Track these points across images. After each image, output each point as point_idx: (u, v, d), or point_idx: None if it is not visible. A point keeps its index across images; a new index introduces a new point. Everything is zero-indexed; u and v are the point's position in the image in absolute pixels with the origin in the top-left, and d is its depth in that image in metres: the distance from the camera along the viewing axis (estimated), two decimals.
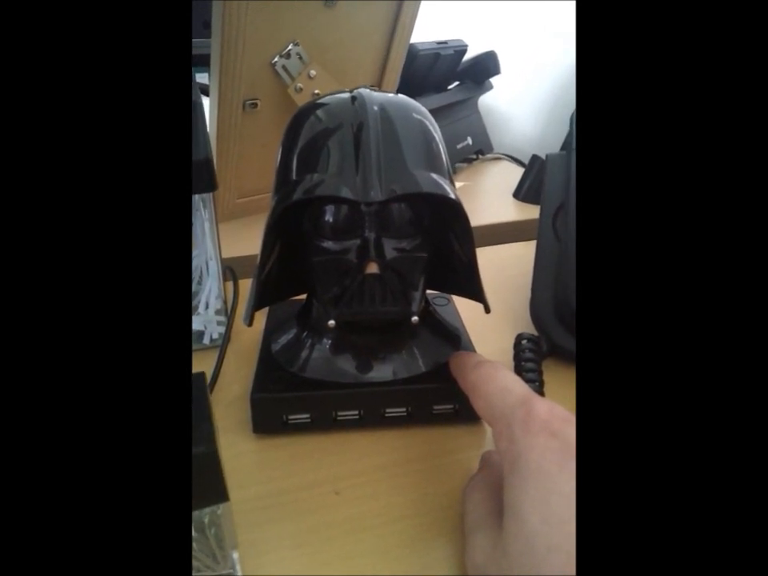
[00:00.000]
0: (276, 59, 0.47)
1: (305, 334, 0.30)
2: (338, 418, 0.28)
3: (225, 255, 0.39)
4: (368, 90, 0.27)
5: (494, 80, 0.82)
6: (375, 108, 0.26)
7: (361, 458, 0.28)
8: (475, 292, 0.28)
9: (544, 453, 0.19)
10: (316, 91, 0.49)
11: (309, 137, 0.26)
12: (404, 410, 0.29)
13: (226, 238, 0.38)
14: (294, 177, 0.26)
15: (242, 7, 0.43)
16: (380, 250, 0.25)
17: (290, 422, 0.28)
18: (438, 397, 0.28)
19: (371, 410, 0.28)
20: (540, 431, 0.20)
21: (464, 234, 0.27)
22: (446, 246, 0.29)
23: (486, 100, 0.84)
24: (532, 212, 0.61)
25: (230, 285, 0.42)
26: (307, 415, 0.28)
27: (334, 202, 0.26)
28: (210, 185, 0.30)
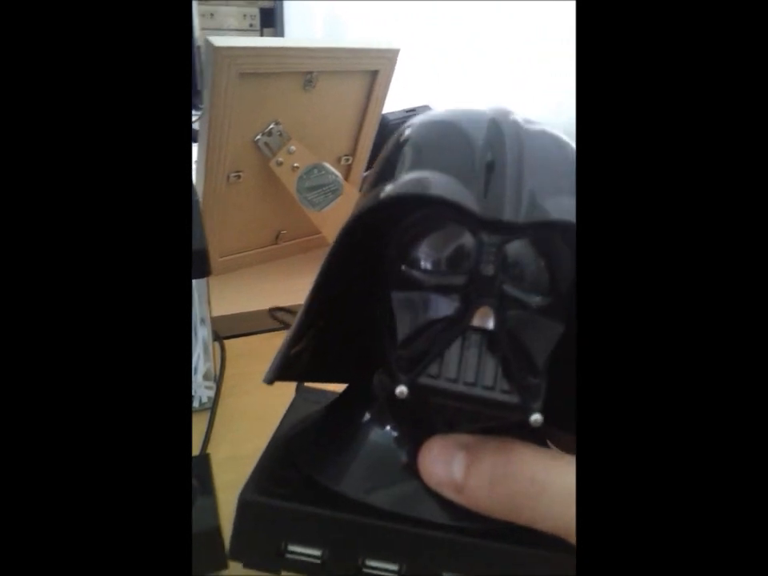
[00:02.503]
0: (258, 137, 0.52)
1: (341, 414, 0.21)
2: (365, 570, 0.17)
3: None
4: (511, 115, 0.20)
5: None
6: (519, 130, 0.18)
7: None
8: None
9: None
10: (295, 164, 0.54)
11: (428, 136, 0.19)
12: None
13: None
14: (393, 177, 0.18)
15: (228, 91, 0.47)
16: (499, 294, 0.17)
17: (288, 555, 0.18)
18: (534, 569, 0.17)
19: (418, 567, 0.17)
20: None
21: None
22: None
23: None
24: None
25: (216, 347, 0.46)
26: (318, 552, 0.18)
27: (444, 216, 0.18)
28: (204, 271, 0.34)
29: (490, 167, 0.17)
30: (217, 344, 0.46)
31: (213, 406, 0.38)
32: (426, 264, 0.18)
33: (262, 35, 2.35)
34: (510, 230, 0.17)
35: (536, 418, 0.16)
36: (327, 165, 0.55)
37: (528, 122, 0.19)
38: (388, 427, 0.19)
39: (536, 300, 0.17)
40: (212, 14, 2.20)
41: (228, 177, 0.52)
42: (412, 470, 0.18)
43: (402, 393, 0.16)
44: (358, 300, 0.20)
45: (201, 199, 0.51)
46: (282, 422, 0.23)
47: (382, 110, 0.61)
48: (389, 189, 0.17)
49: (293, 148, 0.53)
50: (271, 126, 0.52)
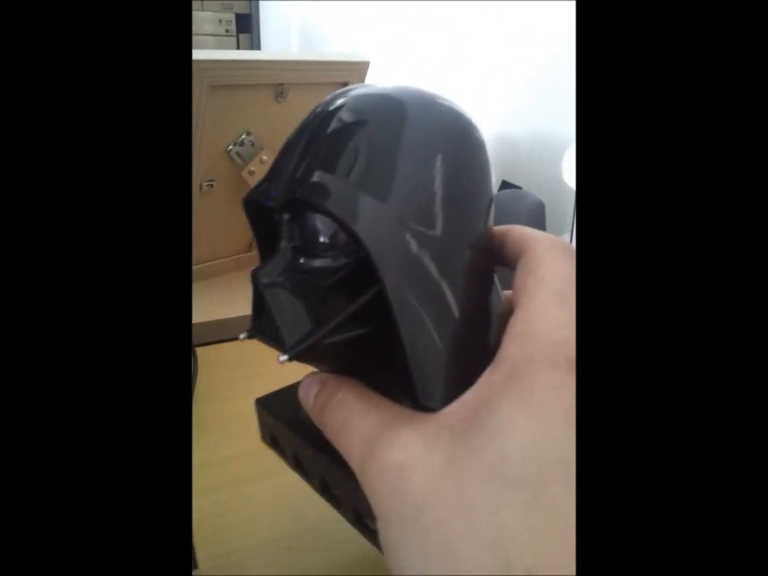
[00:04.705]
0: (231, 147, 0.53)
1: None
2: (301, 466, 0.23)
3: None
4: (366, 86, 0.20)
5: None
6: (339, 101, 0.19)
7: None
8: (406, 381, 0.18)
9: (561, 389, 0.15)
10: None
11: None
12: (340, 497, 0.21)
13: None
14: None
15: (200, 103, 0.48)
16: (268, 263, 0.19)
17: (278, 444, 0.25)
18: (364, 503, 0.18)
19: (315, 473, 0.22)
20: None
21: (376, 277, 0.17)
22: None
23: None
24: None
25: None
26: (282, 445, 0.24)
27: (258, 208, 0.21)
28: None
29: (282, 158, 0.20)
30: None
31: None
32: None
33: (237, 41, 2.35)
34: (285, 210, 0.19)
35: (280, 358, 0.18)
36: None
37: (361, 95, 0.20)
38: None
39: (319, 264, 0.19)
40: None
41: (201, 185, 0.53)
42: None
43: (241, 337, 0.20)
44: None
45: None
46: None
47: None
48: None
49: (265, 158, 0.54)
50: (243, 137, 0.53)
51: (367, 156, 0.18)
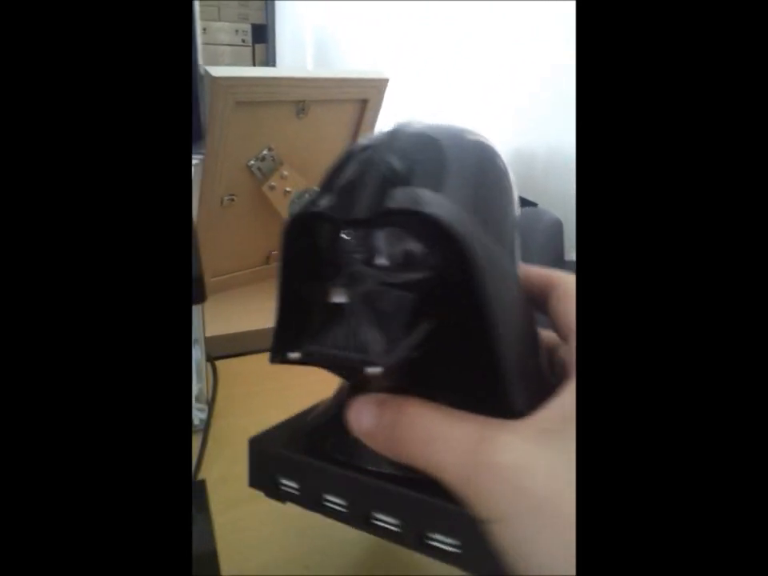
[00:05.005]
0: (252, 162, 0.54)
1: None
2: (325, 503, 0.22)
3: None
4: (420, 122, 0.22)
5: None
6: (408, 133, 0.21)
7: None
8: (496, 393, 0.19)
9: None
10: (287, 189, 0.55)
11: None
12: (396, 522, 0.20)
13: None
14: None
15: (224, 119, 0.49)
16: (353, 275, 0.20)
17: (282, 487, 0.23)
18: (434, 520, 0.19)
19: (357, 505, 0.21)
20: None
21: (468, 289, 0.18)
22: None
23: None
24: None
25: (208, 368, 0.47)
26: (296, 485, 0.22)
27: (325, 220, 0.20)
28: (200, 297, 0.36)
29: (360, 178, 0.20)
30: (209, 365, 0.47)
31: (205, 428, 0.39)
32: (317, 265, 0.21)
33: (253, 51, 2.37)
34: (365, 224, 0.19)
35: (371, 370, 0.18)
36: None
37: (418, 128, 0.21)
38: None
39: (400, 277, 0.19)
40: (204, 29, 2.22)
41: (222, 200, 0.54)
42: None
43: (294, 357, 0.20)
44: None
45: (195, 221, 0.53)
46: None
47: None
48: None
49: (285, 173, 0.55)
50: (264, 152, 0.54)
51: (428, 177, 0.20)
